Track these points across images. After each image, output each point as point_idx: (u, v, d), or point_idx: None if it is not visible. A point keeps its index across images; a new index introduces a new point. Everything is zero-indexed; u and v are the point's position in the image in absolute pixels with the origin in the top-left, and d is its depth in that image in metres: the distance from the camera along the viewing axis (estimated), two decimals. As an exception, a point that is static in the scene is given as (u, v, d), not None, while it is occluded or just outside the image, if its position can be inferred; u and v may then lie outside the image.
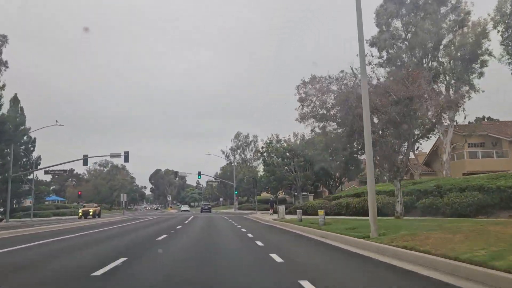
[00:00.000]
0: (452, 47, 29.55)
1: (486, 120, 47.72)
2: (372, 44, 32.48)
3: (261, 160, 40.30)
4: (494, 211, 17.91)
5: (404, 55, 31.74)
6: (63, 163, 42.99)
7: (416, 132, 17.86)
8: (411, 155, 46.91)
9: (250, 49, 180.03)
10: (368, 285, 6.26)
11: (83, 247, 12.27)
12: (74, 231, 19.45)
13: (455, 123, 30.20)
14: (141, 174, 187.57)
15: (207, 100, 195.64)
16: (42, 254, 10.69)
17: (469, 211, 18.07)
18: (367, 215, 24.15)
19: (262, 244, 11.68)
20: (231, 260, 8.84)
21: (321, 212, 17.17)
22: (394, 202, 22.44)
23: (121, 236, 16.33)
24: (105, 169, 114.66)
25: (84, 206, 41.20)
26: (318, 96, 19.43)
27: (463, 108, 24.49)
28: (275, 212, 38.73)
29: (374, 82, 22.94)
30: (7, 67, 37.92)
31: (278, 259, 8.63)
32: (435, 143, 41.22)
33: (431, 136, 18.69)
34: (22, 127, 64.72)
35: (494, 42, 28.30)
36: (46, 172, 48.09)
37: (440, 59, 29.71)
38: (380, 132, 17.66)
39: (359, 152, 21.88)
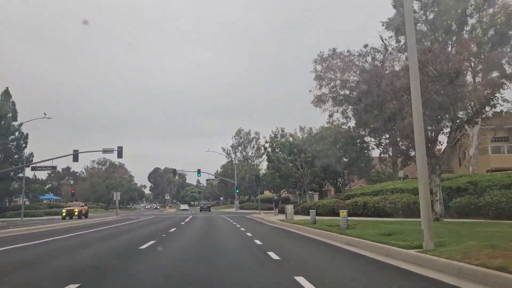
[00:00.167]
0: (479, 29, 26.50)
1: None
2: (388, 27, 29.40)
3: (265, 155, 37.20)
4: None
5: (424, 40, 28.66)
6: (51, 159, 40.07)
7: (460, 115, 14.82)
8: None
9: (250, 49, 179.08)
10: None
11: (19, 267, 8.34)
12: (35, 236, 16.04)
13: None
14: (141, 173, 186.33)
15: (207, 100, 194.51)
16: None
17: (520, 212, 15.08)
18: (391, 217, 21.20)
19: (277, 257, 8.69)
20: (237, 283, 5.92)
21: (343, 213, 14.16)
22: (418, 201, 19.46)
23: (94, 244, 13.04)
24: (104, 168, 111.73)
25: (69, 206, 37.68)
26: (338, 74, 16.48)
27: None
28: (281, 212, 35.73)
29: (397, 68, 20.06)
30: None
31: (308, 285, 5.67)
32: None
33: (478, 121, 15.61)
34: (14, 123, 62.16)
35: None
36: (33, 169, 45.13)
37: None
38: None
39: (386, 143, 18.71)
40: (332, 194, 66.90)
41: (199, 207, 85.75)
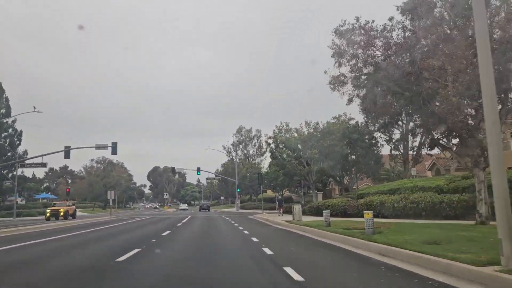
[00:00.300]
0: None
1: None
2: (404, 12, 26.85)
3: (268, 151, 34.79)
4: None
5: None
6: (41, 155, 37.74)
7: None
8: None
9: (250, 49, 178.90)
10: None
11: None
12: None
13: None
14: (141, 173, 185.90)
15: (207, 100, 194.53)
16: None
17: None
18: (412, 218, 18.84)
19: (300, 278, 6.31)
20: None
21: (368, 215, 11.78)
22: (453, 201, 17.12)
23: (55, 256, 9.94)
24: (103, 166, 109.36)
25: (54, 205, 34.72)
26: (360, 50, 14.07)
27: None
28: (286, 212, 33.34)
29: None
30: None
31: None
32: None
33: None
34: (7, 119, 59.83)
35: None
36: (22, 166, 42.72)
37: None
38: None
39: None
40: (337, 193, 64.41)
41: (198, 206, 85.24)
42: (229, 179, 75.27)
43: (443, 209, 17.21)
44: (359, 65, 14.19)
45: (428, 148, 16.63)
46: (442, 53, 11.37)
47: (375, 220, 18.95)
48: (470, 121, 12.24)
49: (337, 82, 15.22)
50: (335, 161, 34.83)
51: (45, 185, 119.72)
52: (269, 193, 71.30)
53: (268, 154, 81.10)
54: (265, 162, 79.21)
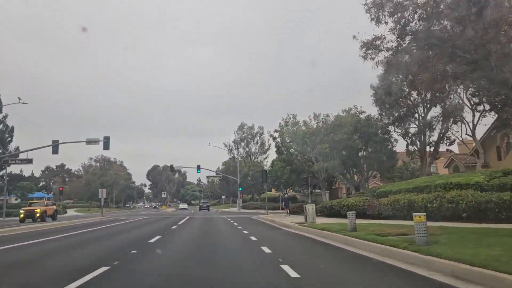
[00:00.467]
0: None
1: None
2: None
3: (273, 146, 31.75)
4: None
5: None
6: (27, 151, 34.85)
7: None
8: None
9: (250, 49, 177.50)
10: None
11: None
12: None
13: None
14: (141, 173, 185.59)
15: (207, 100, 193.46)
16: None
17: None
18: (451, 221, 15.71)
19: None
20: None
21: (420, 218, 8.84)
22: (503, 200, 14.12)
23: None
24: (100, 165, 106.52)
25: (30, 204, 30.84)
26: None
27: None
28: (292, 212, 30.33)
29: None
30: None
31: None
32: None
33: None
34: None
35: None
36: (5, 162, 39.76)
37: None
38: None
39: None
40: (343, 192, 61.42)
41: (198, 206, 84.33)
42: (230, 177, 72.38)
43: (491, 210, 14.22)
44: (406, 17, 11.02)
45: (494, 131, 13.50)
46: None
47: (403, 223, 16.04)
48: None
49: (370, 48, 12.01)
50: (347, 157, 31.88)
51: (42, 183, 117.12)
52: (272, 192, 68.39)
53: (271, 151, 78.96)
54: (268, 160, 76.52)
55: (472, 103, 28.96)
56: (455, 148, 38.20)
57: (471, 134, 29.38)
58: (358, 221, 18.46)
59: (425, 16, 10.70)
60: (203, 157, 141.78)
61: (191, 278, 6.48)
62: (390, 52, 11.80)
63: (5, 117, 59.48)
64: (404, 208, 17.90)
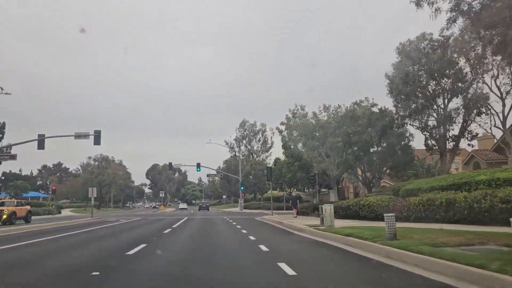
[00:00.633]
0: None
1: None
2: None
3: (280, 139, 28.67)
4: None
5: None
6: (10, 145, 31.94)
7: None
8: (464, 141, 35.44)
9: (250, 49, 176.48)
10: None
11: None
12: None
13: None
14: (141, 173, 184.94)
15: (207, 100, 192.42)
16: None
17: None
18: (505, 224, 12.49)
19: None
20: None
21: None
22: None
23: None
24: (97, 163, 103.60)
25: (1, 204, 26.78)
26: None
27: None
28: (303, 213, 27.39)
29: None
30: None
31: None
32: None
33: None
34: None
35: None
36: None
37: None
38: None
39: None
40: (351, 191, 58.41)
41: (198, 206, 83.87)
42: (231, 175, 69.48)
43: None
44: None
45: None
46: None
47: (447, 227, 13.09)
48: None
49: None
50: (360, 152, 28.94)
51: (39, 182, 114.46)
52: (275, 191, 65.35)
53: (274, 149, 76.16)
54: (271, 157, 73.59)
55: (503, 91, 26.05)
56: (474, 144, 35.24)
57: (501, 126, 26.44)
58: (376, 223, 15.54)
59: None
60: (204, 157, 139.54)
61: None
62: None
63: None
64: (440, 208, 14.96)
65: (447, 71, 30.23)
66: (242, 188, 58.17)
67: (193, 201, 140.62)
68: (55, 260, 8.93)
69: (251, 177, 64.41)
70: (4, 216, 22.47)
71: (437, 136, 31.41)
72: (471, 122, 30.40)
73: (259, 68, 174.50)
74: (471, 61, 29.40)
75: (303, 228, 16.60)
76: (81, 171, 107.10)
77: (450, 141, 31.77)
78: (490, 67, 24.15)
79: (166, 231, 16.64)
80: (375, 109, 32.52)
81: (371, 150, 32.46)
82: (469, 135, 31.71)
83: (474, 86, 30.07)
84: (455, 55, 29.84)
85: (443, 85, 30.87)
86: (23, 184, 73.17)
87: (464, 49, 28.13)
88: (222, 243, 12.08)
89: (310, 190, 52.44)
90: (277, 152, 65.57)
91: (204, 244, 11.84)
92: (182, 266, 7.76)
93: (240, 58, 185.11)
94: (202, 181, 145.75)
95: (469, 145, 32.22)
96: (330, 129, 28.23)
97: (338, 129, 27.78)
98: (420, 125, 31.65)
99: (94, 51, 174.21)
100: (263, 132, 79.26)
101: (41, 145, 31.55)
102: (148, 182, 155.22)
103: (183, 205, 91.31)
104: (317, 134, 28.87)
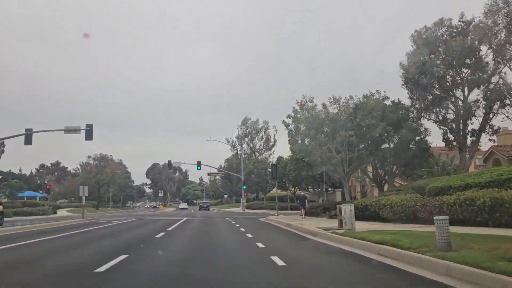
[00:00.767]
0: None
1: None
2: None
3: (286, 133, 26.26)
4: None
5: None
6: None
7: None
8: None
9: (250, 49, 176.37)
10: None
11: None
12: None
13: None
14: (141, 173, 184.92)
15: (207, 100, 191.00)
16: None
17: None
18: None
19: None
20: None
21: None
22: None
23: None
24: (95, 163, 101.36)
25: None
26: None
27: None
28: (312, 214, 25.02)
29: None
30: None
31: None
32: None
33: None
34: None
35: None
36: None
37: None
38: None
39: None
40: (358, 191, 55.91)
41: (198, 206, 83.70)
42: (233, 174, 67.16)
43: None
44: None
45: None
46: None
47: (492, 231, 10.72)
48: None
49: None
50: (374, 147, 26.58)
51: (37, 182, 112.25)
52: (278, 191, 62.81)
53: (277, 147, 73.76)
54: (274, 156, 71.16)
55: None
56: (493, 139, 32.78)
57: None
58: (414, 228, 13.20)
59: None
60: (204, 156, 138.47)
61: None
62: None
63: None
64: (483, 209, 12.57)
65: (467, 60, 27.81)
66: (244, 187, 55.84)
67: (194, 201, 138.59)
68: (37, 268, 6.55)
69: (253, 176, 62.00)
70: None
71: (456, 130, 29.00)
72: (494, 115, 27.98)
73: (259, 68, 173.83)
74: (494, 47, 27.15)
75: (317, 232, 14.26)
76: (80, 170, 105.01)
77: (470, 136, 29.37)
78: None
79: (158, 236, 14.28)
80: (387, 102, 30.14)
81: (383, 145, 30.06)
82: (490, 129, 29.30)
83: (496, 76, 27.70)
84: (476, 42, 27.49)
85: (463, 75, 28.46)
86: (18, 183, 70.93)
87: (488, 33, 25.93)
88: (222, 249, 9.77)
89: (316, 189, 50.02)
90: (279, 150, 63.40)
91: (202, 254, 9.51)
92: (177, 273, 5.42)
93: (240, 58, 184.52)
94: (203, 181, 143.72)
95: (490, 140, 29.81)
96: (341, 122, 25.82)
97: (350, 122, 25.37)
98: (437, 119, 29.23)
99: (94, 51, 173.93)
100: (266, 130, 76.89)
101: (28, 140, 29.33)
102: (148, 181, 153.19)
103: (183, 205, 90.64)
104: (326, 129, 26.46)
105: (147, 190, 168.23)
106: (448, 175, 32.87)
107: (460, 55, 27.33)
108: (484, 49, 27.66)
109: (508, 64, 25.43)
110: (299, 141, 27.13)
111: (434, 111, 29.62)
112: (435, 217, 8.05)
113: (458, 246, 7.85)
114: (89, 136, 29.93)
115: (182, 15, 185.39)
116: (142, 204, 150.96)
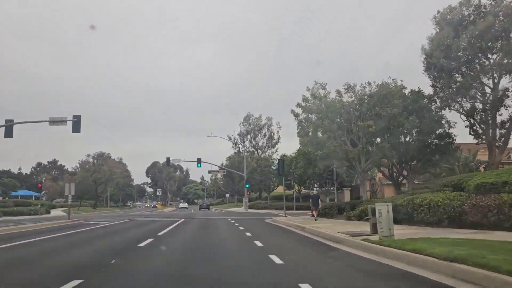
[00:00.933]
0: None
1: None
2: None
3: (296, 123, 23.21)
4: None
5: None
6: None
7: None
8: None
9: (250, 49, 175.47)
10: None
11: None
12: None
13: None
14: (141, 173, 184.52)
15: (207, 100, 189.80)
16: None
17: None
18: None
19: None
20: None
21: None
22: None
23: None
24: (93, 161, 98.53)
25: None
26: None
27: None
28: (325, 215, 22.03)
29: None
30: None
31: None
32: None
33: None
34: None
35: None
36: None
37: None
38: None
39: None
40: (368, 190, 52.77)
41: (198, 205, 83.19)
42: (235, 172, 64.30)
43: None
44: None
45: None
46: None
47: None
48: None
49: None
50: (394, 140, 23.62)
51: (35, 180, 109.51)
52: (280, 189, 59.80)
53: (280, 144, 70.65)
54: (278, 153, 68.20)
55: None
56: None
57: None
58: (469, 234, 10.23)
59: None
60: (205, 155, 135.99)
61: None
62: None
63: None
64: None
65: (498, 43, 24.81)
66: (247, 185, 52.92)
67: (195, 200, 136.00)
68: None
69: (256, 174, 59.01)
70: None
71: (484, 121, 26.01)
72: (529, 105, 24.98)
73: (259, 68, 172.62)
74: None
75: (342, 238, 11.34)
76: (79, 169, 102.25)
77: (499, 129, 26.37)
78: None
79: (143, 244, 11.34)
80: (406, 91, 27.17)
81: (402, 138, 27.10)
82: (524, 121, 26.25)
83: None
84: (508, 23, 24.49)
85: (492, 60, 25.45)
86: (11, 182, 68.30)
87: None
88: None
89: (323, 188, 47.06)
90: (283, 148, 60.47)
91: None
92: None
93: (240, 58, 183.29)
94: (205, 180, 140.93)
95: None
96: (358, 111, 22.87)
97: (369, 111, 22.40)
98: (462, 109, 26.23)
99: (94, 51, 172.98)
100: (269, 127, 74.05)
101: (8, 133, 26.44)
102: (148, 180, 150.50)
103: (183, 204, 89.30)
104: (341, 120, 23.47)
105: (148, 189, 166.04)
106: (470, 171, 29.91)
107: (491, 37, 24.39)
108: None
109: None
110: (310, 133, 24.12)
111: (458, 100, 26.67)
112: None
113: None
114: (76, 128, 27.03)
115: (182, 15, 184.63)
116: (142, 203, 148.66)
